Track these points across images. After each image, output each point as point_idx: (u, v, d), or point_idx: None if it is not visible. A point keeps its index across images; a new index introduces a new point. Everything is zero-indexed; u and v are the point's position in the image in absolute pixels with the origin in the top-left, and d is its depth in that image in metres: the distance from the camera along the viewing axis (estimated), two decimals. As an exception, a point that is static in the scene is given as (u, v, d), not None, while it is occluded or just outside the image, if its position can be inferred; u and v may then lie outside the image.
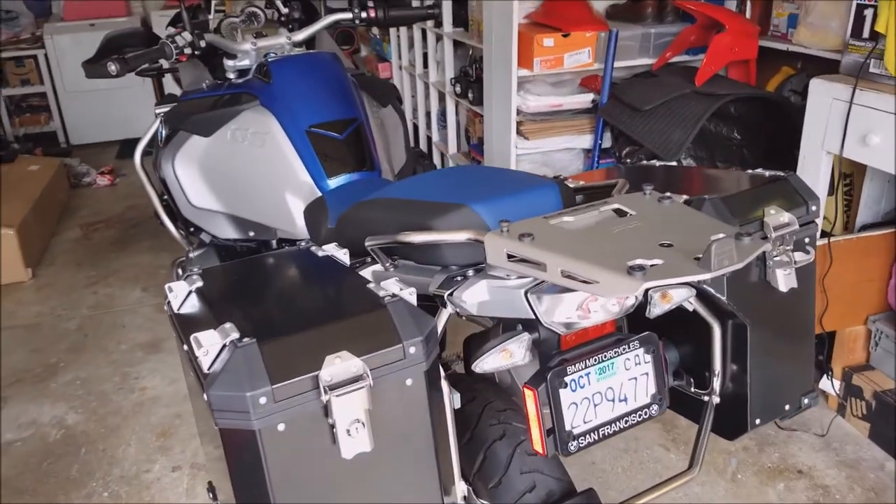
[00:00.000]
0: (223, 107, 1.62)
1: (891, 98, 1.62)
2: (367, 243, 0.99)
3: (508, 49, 2.24)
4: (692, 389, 1.10)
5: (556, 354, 0.87)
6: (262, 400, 0.69)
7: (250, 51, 1.70)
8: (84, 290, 2.97)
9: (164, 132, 1.75)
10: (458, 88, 2.90)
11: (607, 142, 2.44)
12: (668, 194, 0.88)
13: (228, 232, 1.70)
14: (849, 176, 2.13)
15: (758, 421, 1.06)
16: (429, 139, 3.57)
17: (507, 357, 0.85)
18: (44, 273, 3.12)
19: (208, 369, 0.72)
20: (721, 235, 0.68)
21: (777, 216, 0.97)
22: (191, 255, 1.75)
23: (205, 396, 0.71)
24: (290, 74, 1.58)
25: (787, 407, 1.09)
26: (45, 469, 1.96)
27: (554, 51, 2.23)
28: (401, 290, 0.82)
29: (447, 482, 0.84)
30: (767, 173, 1.09)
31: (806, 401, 1.10)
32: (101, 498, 1.85)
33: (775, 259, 0.98)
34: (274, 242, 1.70)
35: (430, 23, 3.16)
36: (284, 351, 0.72)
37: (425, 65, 3.38)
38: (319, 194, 1.48)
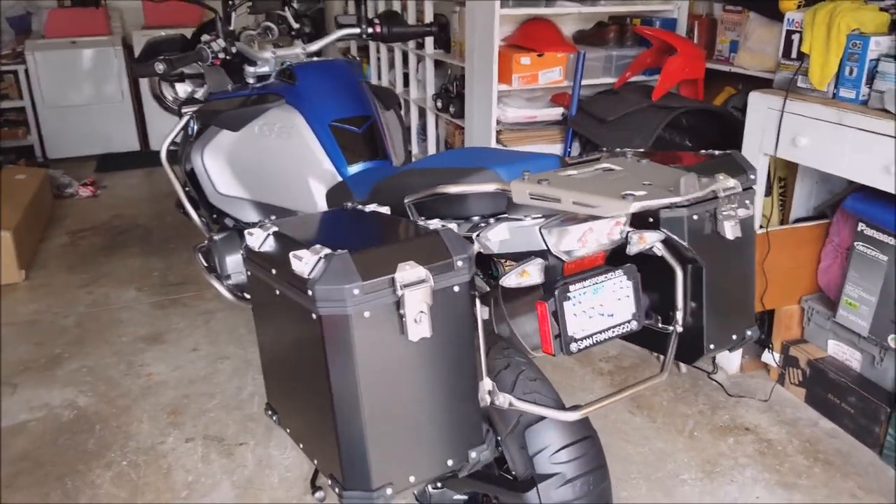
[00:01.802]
0: (251, 105, 1.85)
1: (815, 106, 1.95)
2: (406, 200, 1.22)
3: (490, 66, 2.54)
4: (659, 325, 1.37)
5: (561, 278, 1.12)
6: (356, 291, 0.92)
7: (270, 59, 1.94)
8: (78, 290, 3.08)
9: (194, 128, 1.96)
10: (439, 103, 3.18)
11: (576, 150, 2.74)
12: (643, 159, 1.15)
13: (251, 216, 1.92)
14: (783, 179, 2.47)
15: (712, 346, 1.33)
16: (409, 153, 3.84)
17: (525, 276, 1.09)
18: (37, 275, 3.22)
19: (308, 275, 0.94)
20: (720, 179, 0.95)
21: (725, 180, 1.26)
22: (215, 238, 1.95)
23: (309, 292, 0.93)
24: (313, 76, 1.82)
25: (734, 337, 1.36)
26: (62, 444, 2.08)
27: (530, 68, 2.54)
28: (444, 225, 1.06)
29: (479, 375, 1.08)
30: (717, 152, 1.38)
31: (749, 332, 1.37)
32: (121, 467, 1.98)
33: (724, 213, 1.27)
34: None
35: (412, 45, 3.45)
36: (368, 259, 0.95)
37: (405, 83, 3.66)
38: (340, 179, 1.71)
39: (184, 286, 3.09)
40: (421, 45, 3.33)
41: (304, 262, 0.95)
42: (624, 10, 2.79)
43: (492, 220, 1.18)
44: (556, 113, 2.75)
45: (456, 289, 1.00)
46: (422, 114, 3.56)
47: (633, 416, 2.17)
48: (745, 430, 2.10)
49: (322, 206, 1.74)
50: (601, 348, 2.53)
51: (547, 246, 1.10)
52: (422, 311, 0.95)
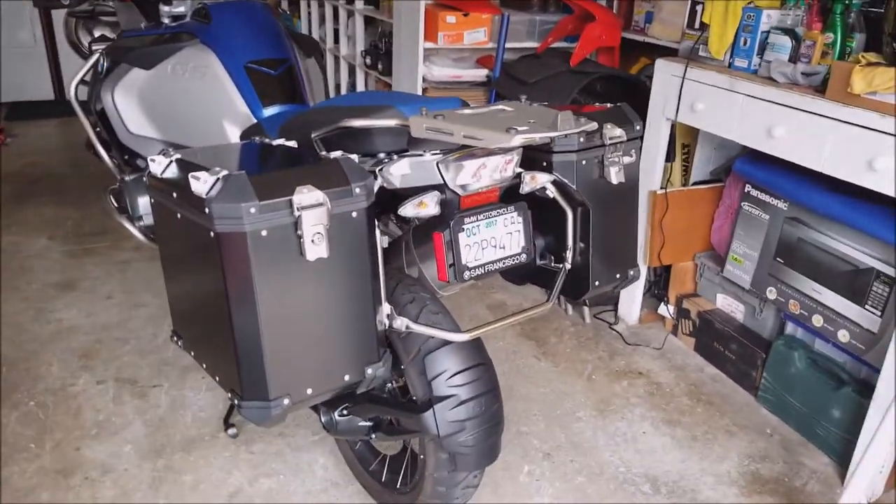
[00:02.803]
0: (164, 43, 1.83)
1: (712, 74, 2.09)
2: (313, 135, 1.27)
3: (416, 24, 2.58)
4: (553, 265, 1.47)
5: (457, 212, 1.20)
6: (252, 209, 0.96)
7: None
8: (-15, 237, 2.97)
9: (104, 65, 1.92)
10: (368, 60, 3.20)
11: (496, 109, 2.83)
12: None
13: (165, 157, 1.90)
14: (687, 146, 2.64)
15: (597, 283, 1.45)
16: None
17: (423, 207, 1.16)
18: (-62, 222, 3.08)
19: (206, 194, 0.98)
20: (608, 129, 1.04)
21: (612, 130, 1.36)
22: (126, 179, 1.93)
23: (206, 210, 0.97)
24: (229, 16, 1.82)
25: (618, 276, 1.49)
26: (-35, 385, 2.04)
27: (455, 27, 2.59)
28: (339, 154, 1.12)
29: (377, 300, 1.15)
30: (608, 105, 1.48)
31: (631, 273, 1.50)
32: (28, 408, 1.96)
33: (609, 159, 1.37)
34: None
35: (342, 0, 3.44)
36: (266, 182, 1.00)
37: (336, 40, 3.65)
38: (255, 121, 1.73)
39: (99, 236, 3.02)
40: (351, 1, 3.32)
41: (203, 181, 0.99)
42: (547, -24, 2.88)
43: (395, 157, 1.24)
44: (481, 74, 2.82)
45: (354, 214, 1.06)
46: (352, 71, 3.56)
47: (538, 361, 2.30)
48: (639, 374, 2.26)
49: (237, 147, 1.75)
50: (515, 301, 2.65)
51: (444, 180, 1.17)
52: (318, 233, 1.01)
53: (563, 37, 2.83)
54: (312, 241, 1.01)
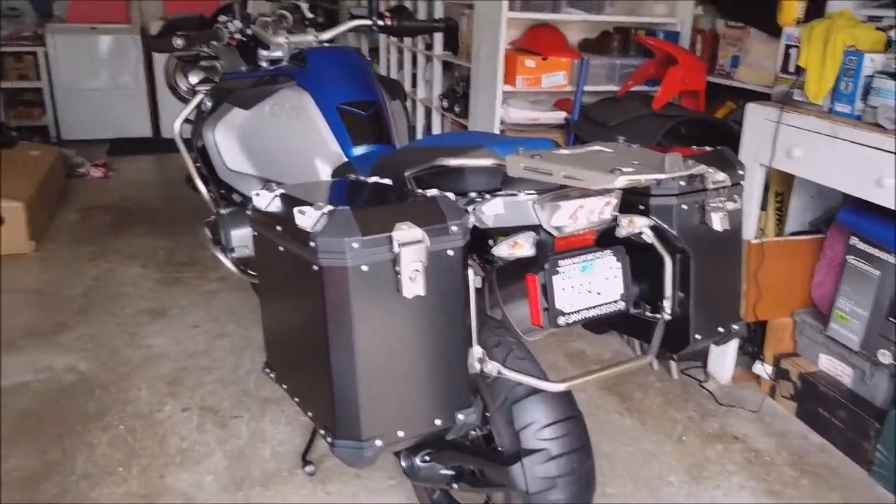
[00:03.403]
0: (263, 85, 1.92)
1: (810, 119, 2.01)
2: (406, 173, 1.28)
3: (495, 67, 2.62)
4: (648, 314, 1.41)
5: (552, 254, 1.18)
6: (355, 245, 0.98)
7: (283, 44, 2.01)
8: (86, 263, 3.14)
9: (208, 105, 2.03)
10: (445, 103, 3.27)
11: (578, 152, 2.81)
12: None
13: (259, 192, 1.98)
14: (780, 194, 2.53)
15: (698, 337, 1.37)
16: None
17: (517, 248, 1.15)
18: (46, 248, 3.29)
19: (311, 228, 1.00)
20: (710, 173, 1.01)
21: (715, 174, 1.31)
22: (223, 212, 2.01)
23: (312, 243, 0.99)
24: (323, 61, 1.89)
25: (720, 329, 1.40)
26: (62, 404, 2.13)
27: (534, 71, 2.62)
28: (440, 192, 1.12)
29: (469, 340, 1.13)
30: (708, 148, 1.44)
31: (735, 327, 1.41)
32: (118, 430, 2.03)
33: (712, 205, 1.32)
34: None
35: (421, 46, 3.54)
36: (368, 217, 1.01)
37: (413, 84, 3.76)
38: (346, 160, 1.78)
39: (189, 266, 3.15)
40: (430, 47, 3.41)
41: (308, 216, 1.01)
42: (629, 20, 2.87)
43: (487, 196, 1.24)
44: (558, 117, 2.82)
45: (450, 252, 1.06)
46: (428, 113, 3.64)
47: (622, 418, 2.19)
48: (734, 439, 2.09)
49: (328, 185, 1.80)
50: (594, 351, 2.57)
51: (539, 220, 1.16)
52: (416, 270, 1.01)
53: (644, 80, 2.80)
54: (410, 277, 1.00)
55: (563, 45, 2.74)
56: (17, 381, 2.23)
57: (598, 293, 1.22)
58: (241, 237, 1.93)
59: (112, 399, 2.17)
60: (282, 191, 1.18)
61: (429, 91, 3.57)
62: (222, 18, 1.95)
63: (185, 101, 2.39)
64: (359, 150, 1.79)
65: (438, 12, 3.32)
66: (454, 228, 1.05)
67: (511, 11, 2.61)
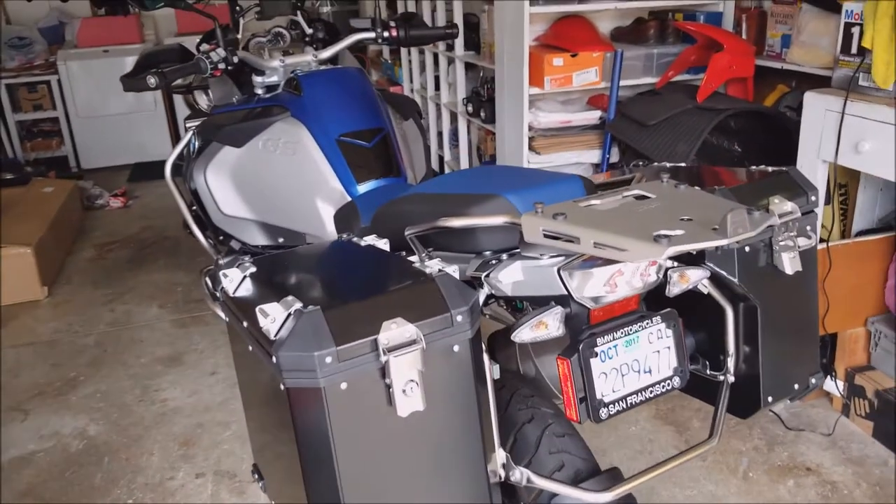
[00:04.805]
0: (254, 119, 1.72)
1: (880, 108, 1.72)
2: (406, 232, 1.06)
3: (520, 68, 2.36)
4: (707, 372, 1.17)
5: (586, 328, 0.95)
6: (328, 359, 0.76)
7: (279, 68, 1.81)
8: (101, 307, 3.02)
9: (196, 144, 1.85)
10: (470, 108, 3.02)
11: (615, 156, 2.54)
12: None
13: (258, 238, 1.79)
14: (844, 186, 2.22)
15: (770, 398, 1.13)
16: (440, 158, 3.69)
17: (542, 329, 0.92)
18: (60, 291, 3.18)
19: (275, 336, 0.79)
20: (736, 207, 0.76)
21: (781, 204, 1.06)
22: (220, 262, 1.82)
23: (273, 359, 0.78)
24: (319, 87, 1.68)
25: (796, 386, 1.16)
26: (68, 478, 1.99)
27: (563, 70, 2.35)
28: (444, 267, 0.90)
29: (488, 447, 0.91)
30: (770, 168, 1.18)
31: (813, 380, 1.17)
32: (126, 504, 1.89)
33: (781, 244, 1.07)
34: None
35: (442, 47, 3.30)
36: (345, 317, 0.79)
37: (437, 87, 3.51)
38: (349, 199, 1.57)
39: (206, 303, 3.00)
40: (451, 47, 3.17)
41: (271, 318, 0.80)
42: (665, 4, 2.57)
43: (504, 257, 1.01)
44: (592, 117, 2.55)
45: (456, 348, 0.84)
46: (453, 118, 3.40)
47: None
48: (807, 471, 1.87)
49: (330, 227, 1.59)
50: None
51: (568, 290, 0.92)
52: (412, 381, 0.79)
53: (685, 69, 2.51)
54: (404, 391, 0.79)
55: (593, 38, 2.46)
56: (21, 453, 2.10)
57: (647, 371, 0.99)
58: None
59: (121, 467, 2.02)
60: (252, 269, 0.98)
61: (453, 94, 3.33)
62: (204, 47, 1.76)
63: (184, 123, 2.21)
64: (363, 188, 1.58)
65: (458, 11, 3.06)
66: (460, 318, 0.83)
67: (533, 5, 2.34)
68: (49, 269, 3.20)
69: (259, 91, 1.85)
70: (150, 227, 3.97)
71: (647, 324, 0.98)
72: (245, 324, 0.90)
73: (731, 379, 1.12)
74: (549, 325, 0.92)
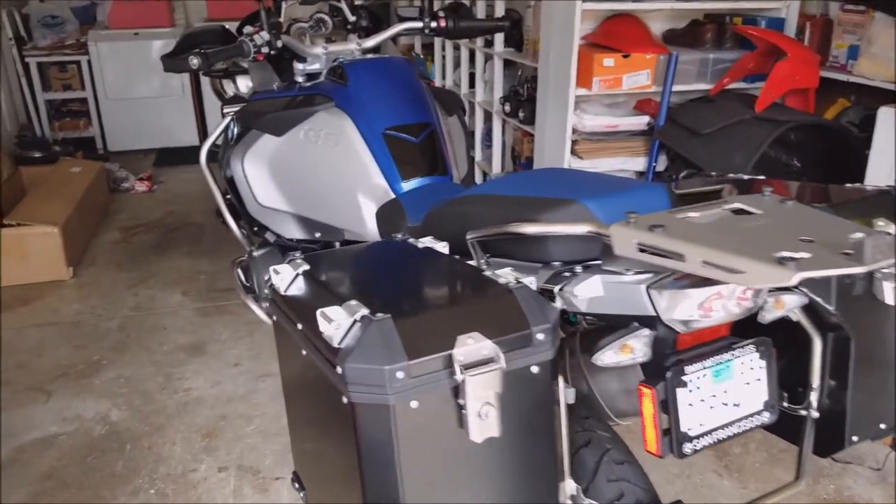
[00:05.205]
0: (297, 107, 1.64)
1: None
2: (469, 236, 0.98)
3: (568, 68, 2.27)
4: (785, 405, 1.08)
5: (672, 354, 0.86)
6: (399, 374, 0.68)
7: (321, 55, 1.73)
8: (125, 290, 2.97)
9: (235, 131, 1.77)
10: (507, 107, 2.92)
11: (662, 165, 2.44)
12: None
13: (294, 232, 1.71)
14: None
15: (855, 438, 1.04)
16: (472, 159, 3.59)
17: (626, 353, 0.83)
18: (84, 273, 3.14)
19: (339, 343, 0.71)
20: (880, 227, 0.67)
21: (887, 227, 0.96)
22: (254, 254, 1.75)
23: (337, 370, 0.70)
24: (366, 77, 1.60)
25: (883, 426, 1.07)
26: (89, 463, 1.94)
27: (614, 71, 2.25)
28: (519, 279, 0.81)
29: (559, 475, 0.82)
30: (869, 187, 1.08)
31: (903, 421, 1.07)
32: (148, 495, 1.82)
33: (883, 271, 0.97)
34: (338, 244, 1.70)
35: (480, 42, 3.20)
36: (417, 328, 0.71)
37: (471, 84, 3.41)
38: (393, 196, 1.49)
39: (231, 293, 2.93)
40: (490, 43, 3.07)
41: (335, 324, 0.72)
42: (724, 6, 2.46)
43: (578, 269, 0.92)
44: (640, 122, 2.45)
45: (534, 369, 0.75)
46: (487, 118, 3.30)
47: (720, 479, 1.87)
48: None
49: (372, 225, 1.51)
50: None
51: (656, 311, 0.83)
52: (488, 403, 0.70)
53: (742, 77, 2.40)
54: (480, 415, 0.70)
55: (646, 39, 2.36)
56: (44, 435, 2.05)
57: (736, 404, 0.89)
58: None
59: (143, 456, 1.97)
60: (306, 267, 0.90)
61: (489, 93, 3.23)
62: (247, 30, 1.68)
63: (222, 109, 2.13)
64: (408, 185, 1.50)
65: (500, 7, 2.95)
66: (541, 337, 0.75)
67: (586, 2, 2.24)
68: (74, 249, 3.15)
69: (299, 79, 1.78)
70: (174, 212, 3.92)
71: (740, 352, 0.89)
72: (300, 326, 0.82)
73: (815, 414, 1.03)
74: (634, 349, 0.83)
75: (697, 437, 0.85)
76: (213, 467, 1.92)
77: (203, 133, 5.13)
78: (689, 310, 0.82)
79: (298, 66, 1.74)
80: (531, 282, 0.81)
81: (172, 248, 3.43)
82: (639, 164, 2.47)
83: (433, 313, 0.74)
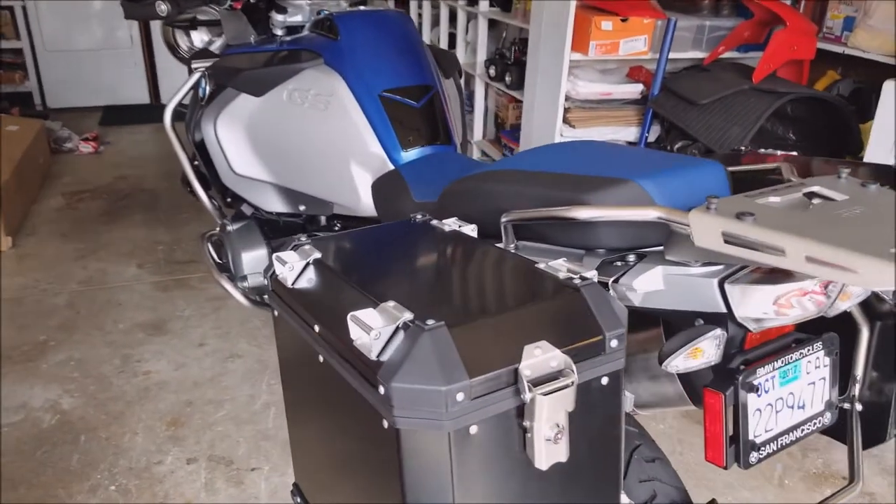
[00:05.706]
0: (279, 63, 1.47)
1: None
2: (504, 219, 0.86)
3: (563, 31, 2.13)
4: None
5: (738, 354, 0.77)
6: (460, 396, 0.56)
7: (304, 6, 1.56)
8: (72, 263, 2.74)
9: (206, 89, 1.59)
10: (492, 71, 2.77)
11: (654, 135, 2.35)
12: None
13: (274, 204, 1.55)
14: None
15: (896, 431, 0.99)
16: (465, 126, 3.44)
17: (697, 356, 0.73)
18: (25, 243, 2.88)
19: (378, 356, 0.59)
20: None
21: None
22: (228, 228, 1.59)
23: (379, 389, 0.58)
24: (360, 32, 1.43)
25: (926, 419, 1.02)
26: (40, 458, 1.76)
27: (611, 35, 2.13)
28: (580, 271, 0.70)
29: (617, 491, 0.73)
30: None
31: (947, 414, 1.02)
32: (108, 492, 1.66)
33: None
34: (323, 219, 1.56)
35: (462, 0, 3.02)
36: (476, 337, 0.59)
37: (451, 45, 3.24)
38: (392, 167, 1.35)
39: (192, 265, 2.74)
40: (473, 2, 2.90)
41: (374, 333, 0.59)
42: (720, -28, 2.36)
43: (631, 258, 0.81)
44: (634, 90, 2.35)
45: (605, 381, 0.65)
46: (468, 81, 3.14)
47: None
48: (842, 479, 1.76)
49: (366, 199, 1.37)
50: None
51: (729, 308, 0.73)
52: (558, 425, 0.59)
53: (737, 46, 2.32)
54: (549, 439, 0.59)
55: (644, 2, 2.23)
56: (-15, 427, 1.86)
57: (801, 406, 0.81)
58: (255, 261, 1.52)
59: (101, 448, 1.80)
60: (317, 255, 0.77)
61: (471, 55, 3.06)
62: (223, -26, 1.49)
63: (187, 62, 1.92)
64: (409, 155, 1.36)
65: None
66: (614, 343, 0.64)
67: (584, -39, 2.11)
68: (13, 216, 2.89)
69: (278, 32, 1.60)
70: (125, 177, 3.65)
71: (808, 351, 0.80)
72: (317, 328, 0.69)
73: (859, 408, 0.97)
74: (706, 351, 0.73)
75: (763, 444, 0.77)
76: (180, 459, 1.77)
77: (154, 89, 4.79)
78: (763, 307, 0.73)
79: (278, 17, 1.57)
80: (594, 276, 0.70)
81: (124, 216, 3.18)
82: (630, 133, 2.37)
83: (490, 318, 0.62)
